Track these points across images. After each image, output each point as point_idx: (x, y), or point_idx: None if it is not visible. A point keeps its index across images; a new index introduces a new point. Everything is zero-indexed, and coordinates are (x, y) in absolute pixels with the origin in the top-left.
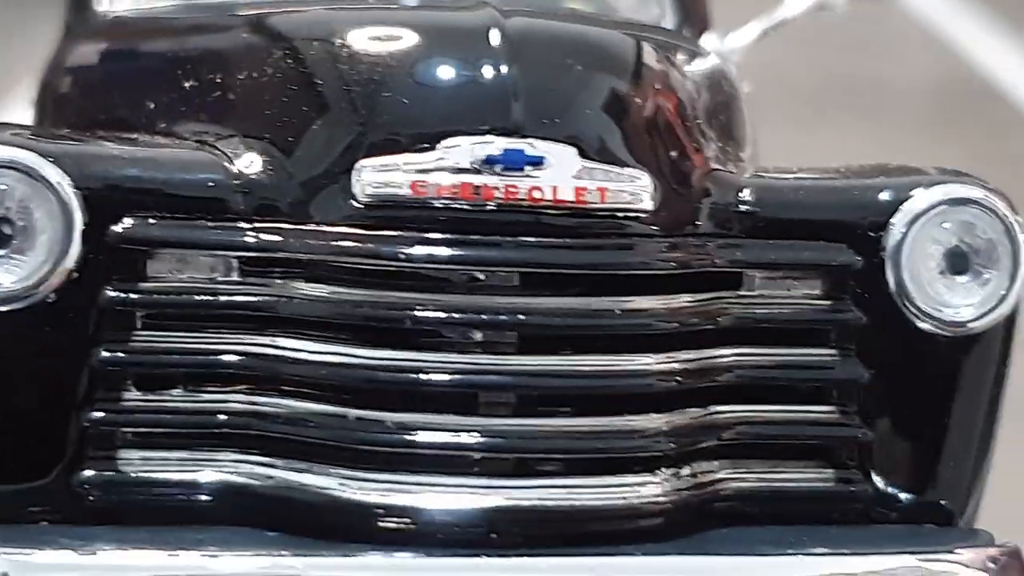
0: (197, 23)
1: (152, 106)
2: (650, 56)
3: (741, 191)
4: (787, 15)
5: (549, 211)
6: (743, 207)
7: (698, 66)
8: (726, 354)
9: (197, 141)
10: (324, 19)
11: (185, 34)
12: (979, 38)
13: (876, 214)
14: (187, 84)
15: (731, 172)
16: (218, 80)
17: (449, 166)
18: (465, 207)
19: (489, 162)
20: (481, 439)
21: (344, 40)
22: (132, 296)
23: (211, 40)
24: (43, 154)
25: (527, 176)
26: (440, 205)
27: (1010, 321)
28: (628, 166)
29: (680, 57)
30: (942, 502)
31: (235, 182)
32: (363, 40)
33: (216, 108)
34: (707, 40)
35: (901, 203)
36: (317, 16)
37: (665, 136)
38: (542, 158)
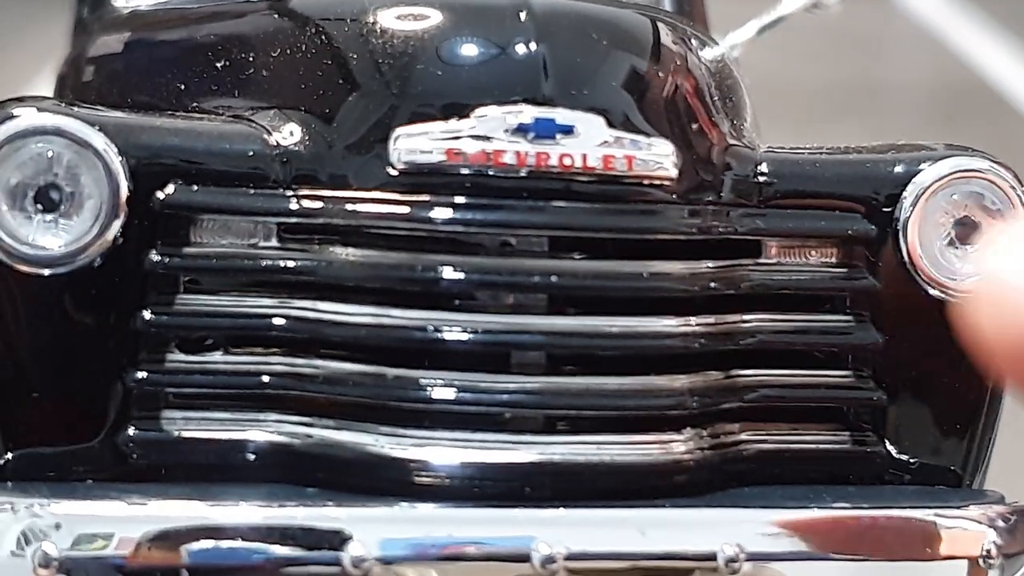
0: (221, 9)
1: (182, 87)
2: (669, 37)
3: (760, 164)
4: (783, 13)
5: (578, 178)
6: (762, 178)
7: (708, 51)
8: (747, 319)
9: (233, 116)
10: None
11: (210, 19)
12: (979, 40)
13: (889, 186)
14: (218, 65)
15: (748, 147)
16: (250, 59)
17: (482, 134)
18: (498, 173)
19: (521, 130)
20: (512, 397)
21: (378, 16)
22: (175, 260)
23: (238, 23)
24: (90, 122)
25: (557, 144)
26: (474, 171)
27: None
28: (653, 136)
29: (694, 41)
30: (951, 466)
31: (274, 152)
32: (396, 16)
33: (249, 86)
34: None
35: (912, 176)
36: None
37: (686, 110)
38: (572, 127)
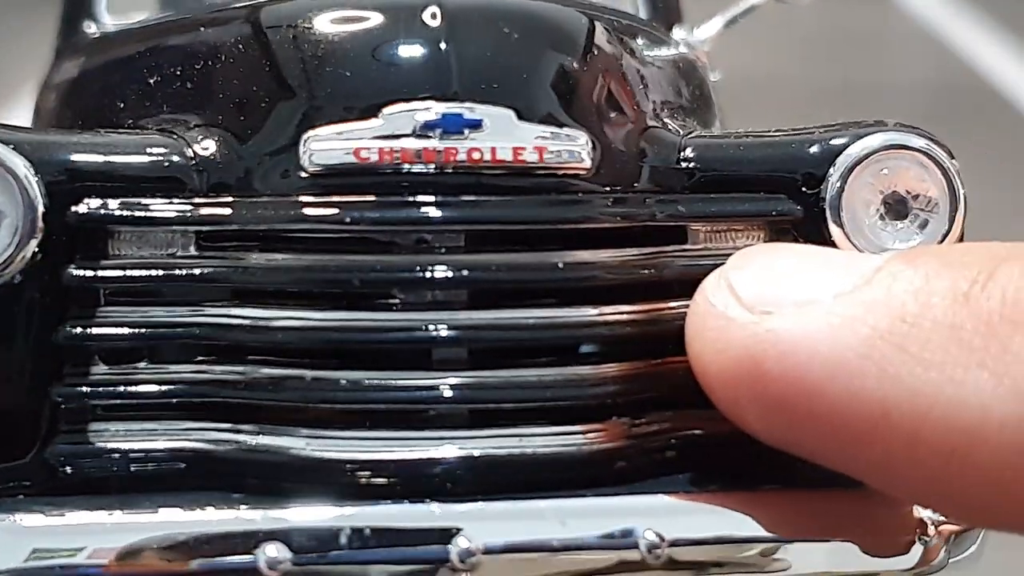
0: (158, 28)
1: (121, 106)
2: (591, 28)
3: (683, 149)
4: (753, 2)
5: (489, 171)
6: (684, 164)
7: (655, 47)
8: (673, 306)
9: (159, 130)
10: (268, 9)
11: (147, 38)
12: (979, 39)
13: (815, 164)
14: (150, 82)
15: (674, 132)
16: (176, 74)
17: (390, 133)
18: (407, 171)
19: (429, 127)
20: (434, 393)
21: (288, 24)
22: (95, 273)
23: (169, 40)
24: (4, 141)
25: (466, 139)
26: (383, 170)
27: None
28: (566, 126)
29: (633, 35)
30: None
31: (191, 162)
32: (306, 23)
33: (176, 100)
34: (678, 32)
35: (840, 152)
36: (262, 8)
37: (606, 101)
38: (480, 121)
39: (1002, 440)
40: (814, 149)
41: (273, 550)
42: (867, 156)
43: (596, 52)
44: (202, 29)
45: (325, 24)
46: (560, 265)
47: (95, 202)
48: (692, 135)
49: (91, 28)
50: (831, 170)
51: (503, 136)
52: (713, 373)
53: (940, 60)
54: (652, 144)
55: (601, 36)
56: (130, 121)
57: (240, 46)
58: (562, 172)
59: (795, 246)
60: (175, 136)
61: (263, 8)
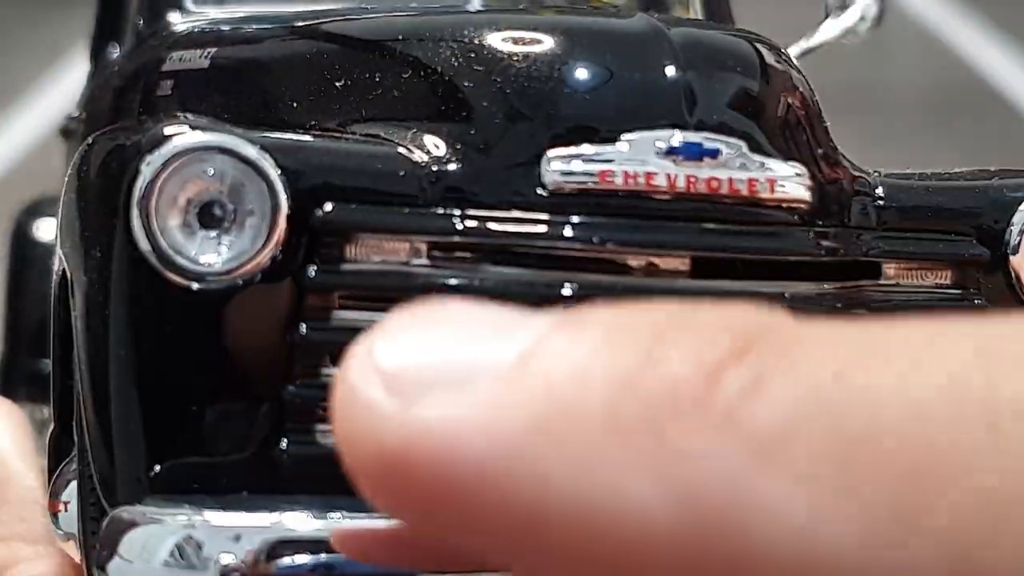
0: (335, 27)
1: (296, 105)
2: (784, 63)
3: (877, 188)
4: (822, 40)
5: (724, 200)
6: (880, 202)
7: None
8: None
9: (364, 135)
10: (488, 20)
11: (323, 37)
12: (979, 40)
13: (1001, 211)
14: (337, 84)
15: (863, 171)
16: (375, 79)
17: (633, 157)
18: (648, 195)
19: (670, 153)
20: None
21: (519, 39)
22: (331, 277)
23: (356, 40)
24: (252, 141)
25: (704, 167)
26: (624, 193)
27: None
28: (790, 160)
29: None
30: None
31: (423, 171)
32: (536, 40)
33: (377, 106)
34: None
35: (1022, 201)
36: (482, 18)
37: (812, 136)
38: (718, 150)
39: (670, 554)
40: (1000, 196)
41: None
42: None
43: (801, 89)
44: (398, 36)
45: (558, 43)
46: (785, 296)
47: (338, 207)
48: (881, 174)
49: (177, 17)
50: (1014, 219)
51: (739, 167)
52: (358, 469)
53: (940, 60)
54: (852, 181)
55: (795, 73)
56: (312, 123)
57: (461, 58)
58: (786, 205)
59: (453, 308)
60: (397, 144)
61: (478, 19)
